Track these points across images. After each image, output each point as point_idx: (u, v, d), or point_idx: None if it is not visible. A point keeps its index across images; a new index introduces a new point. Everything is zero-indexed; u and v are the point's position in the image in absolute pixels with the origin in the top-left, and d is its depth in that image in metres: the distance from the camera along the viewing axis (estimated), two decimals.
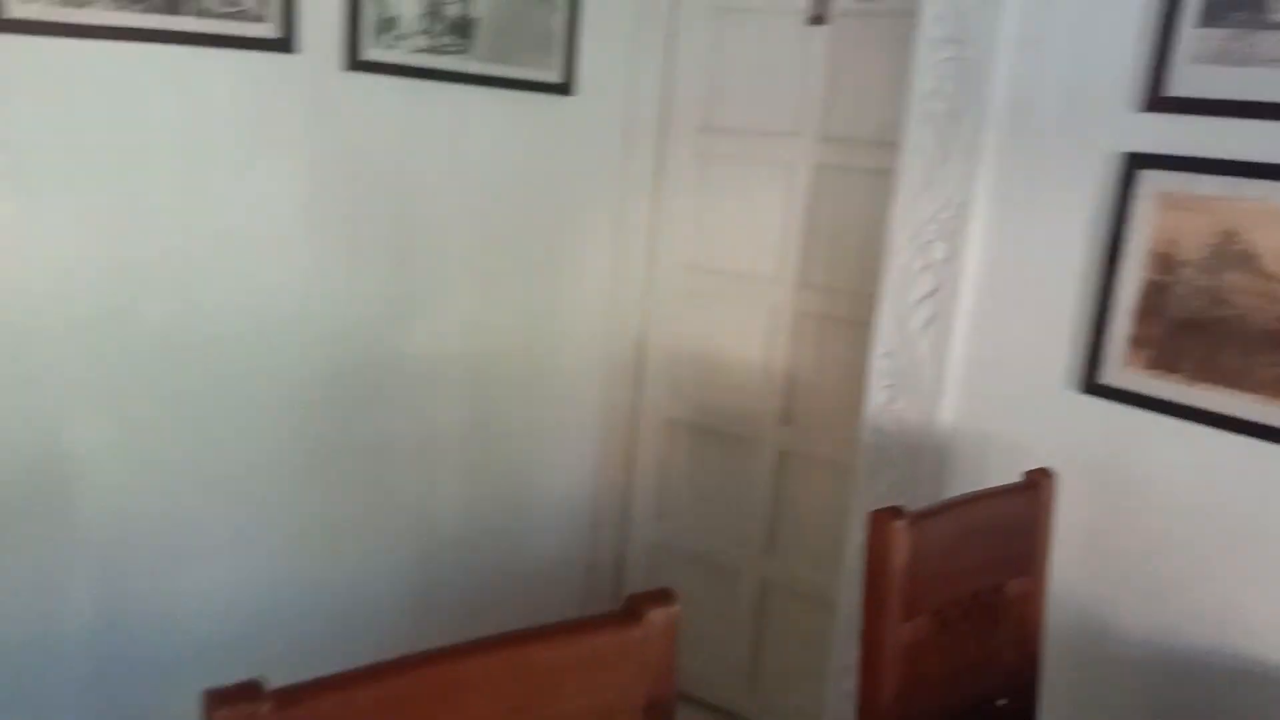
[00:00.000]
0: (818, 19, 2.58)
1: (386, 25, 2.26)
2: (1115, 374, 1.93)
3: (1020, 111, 2.05)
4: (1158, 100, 1.84)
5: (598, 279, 2.93)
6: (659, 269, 2.93)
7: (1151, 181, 1.86)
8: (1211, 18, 1.77)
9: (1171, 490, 1.89)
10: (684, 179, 2.85)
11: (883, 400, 2.32)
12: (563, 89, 2.67)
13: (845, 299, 2.59)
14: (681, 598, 1.29)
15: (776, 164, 2.71)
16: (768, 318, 2.77)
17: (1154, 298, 1.87)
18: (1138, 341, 1.90)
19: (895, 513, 1.62)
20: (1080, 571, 1.99)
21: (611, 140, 2.86)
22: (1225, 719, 1.84)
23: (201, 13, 1.98)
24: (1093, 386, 1.96)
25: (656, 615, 1.29)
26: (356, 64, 2.24)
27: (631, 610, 1.28)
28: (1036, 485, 1.86)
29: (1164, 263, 1.85)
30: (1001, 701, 1.85)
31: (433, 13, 2.34)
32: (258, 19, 2.07)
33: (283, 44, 2.13)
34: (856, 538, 2.37)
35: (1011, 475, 2.05)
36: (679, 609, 1.30)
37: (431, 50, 2.35)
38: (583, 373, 2.98)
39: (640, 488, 3.06)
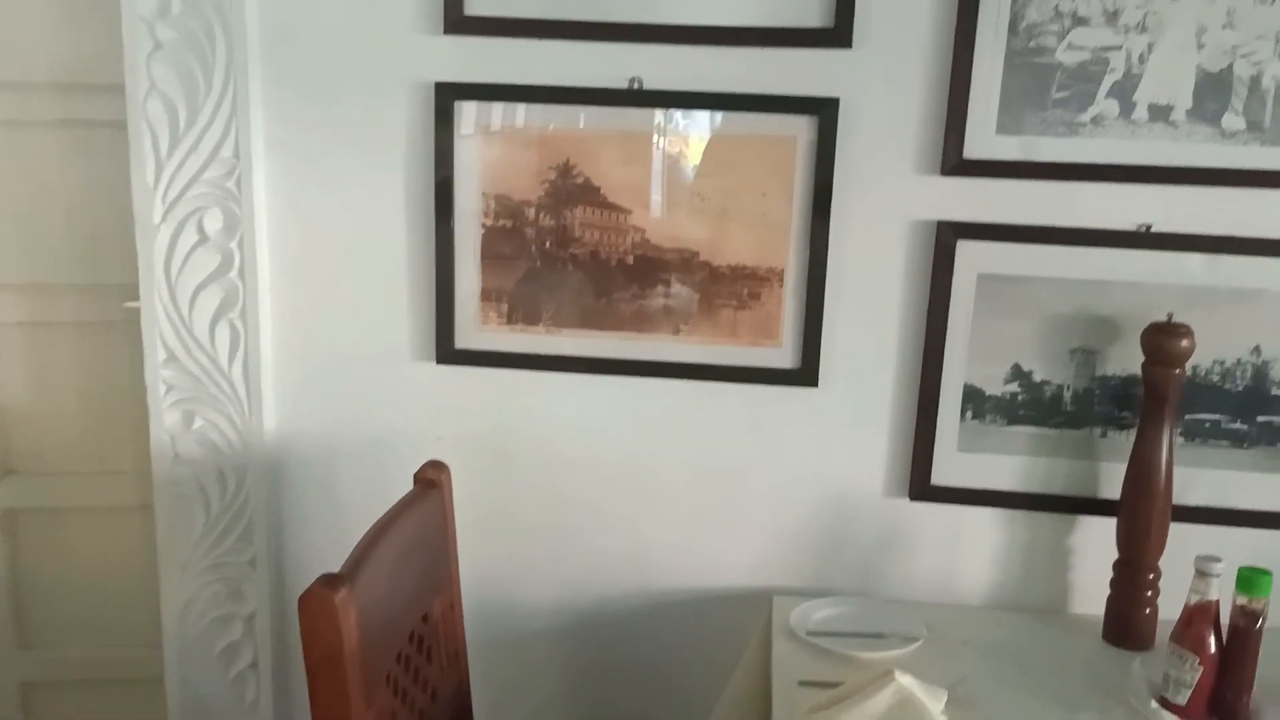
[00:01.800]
0: None
1: None
2: (471, 336, 1.71)
3: (289, 35, 1.65)
4: (460, 20, 1.60)
5: None
6: None
7: (471, 113, 1.64)
8: None
9: (557, 444, 1.75)
10: None
11: (176, 420, 1.78)
12: None
13: (70, 297, 1.94)
14: None
15: None
16: None
17: (499, 245, 1.68)
18: (489, 296, 1.70)
19: (331, 584, 1.22)
20: (480, 553, 1.77)
21: None
22: (639, 653, 1.82)
23: None
24: (448, 354, 1.71)
25: None
26: None
27: None
28: (436, 484, 1.57)
29: (503, 206, 1.66)
30: None
31: None
32: None
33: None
34: (176, 598, 1.84)
35: (374, 474, 1.79)
36: None
37: None
38: None
39: None
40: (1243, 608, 1.31)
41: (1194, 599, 1.33)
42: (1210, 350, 1.54)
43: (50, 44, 1.82)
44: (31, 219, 1.92)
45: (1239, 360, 1.55)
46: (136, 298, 1.77)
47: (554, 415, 1.75)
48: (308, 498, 1.83)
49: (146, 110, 1.67)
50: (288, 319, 1.76)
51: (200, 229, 1.71)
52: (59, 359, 1.99)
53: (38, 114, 1.87)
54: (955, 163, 1.55)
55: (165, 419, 1.79)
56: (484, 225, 1.67)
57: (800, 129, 1.58)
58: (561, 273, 1.68)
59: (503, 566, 1.81)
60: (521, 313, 1.70)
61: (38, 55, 1.84)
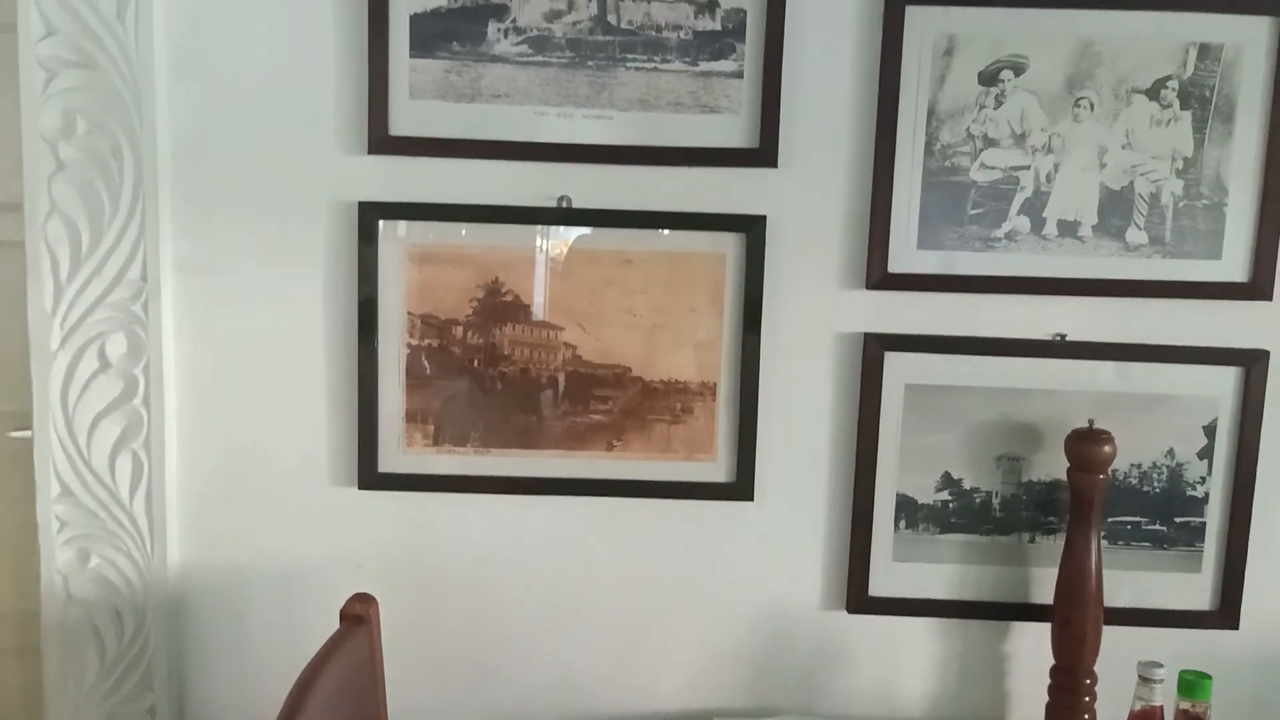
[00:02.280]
0: None
1: None
2: (396, 459, 1.65)
3: (203, 154, 1.61)
4: (385, 140, 1.59)
5: None
6: None
7: (396, 232, 1.61)
8: (425, 48, 1.57)
9: (485, 568, 1.69)
10: None
11: (70, 558, 1.66)
12: None
13: None
14: None
15: None
16: None
17: (425, 365, 1.63)
18: (415, 417, 1.64)
19: None
20: (405, 688, 1.67)
21: None
22: None
23: None
24: (372, 479, 1.65)
25: None
26: None
27: None
28: (365, 619, 1.49)
29: (429, 325, 1.63)
30: None
31: None
32: None
33: None
34: None
35: (287, 610, 1.70)
36: None
37: None
38: None
39: None
40: (1186, 712, 1.34)
41: (1139, 705, 1.35)
42: (1127, 454, 1.59)
43: None
44: None
45: (1155, 463, 1.61)
46: (26, 426, 1.66)
47: (482, 539, 1.69)
48: (214, 638, 1.71)
49: (46, 232, 1.59)
50: (196, 447, 1.67)
51: (102, 355, 1.62)
52: None
53: None
54: (880, 277, 1.59)
55: (58, 557, 1.66)
56: (409, 345, 1.63)
57: (729, 246, 1.60)
58: (490, 391, 1.64)
59: (429, 700, 1.72)
60: (448, 433, 1.65)
61: None
